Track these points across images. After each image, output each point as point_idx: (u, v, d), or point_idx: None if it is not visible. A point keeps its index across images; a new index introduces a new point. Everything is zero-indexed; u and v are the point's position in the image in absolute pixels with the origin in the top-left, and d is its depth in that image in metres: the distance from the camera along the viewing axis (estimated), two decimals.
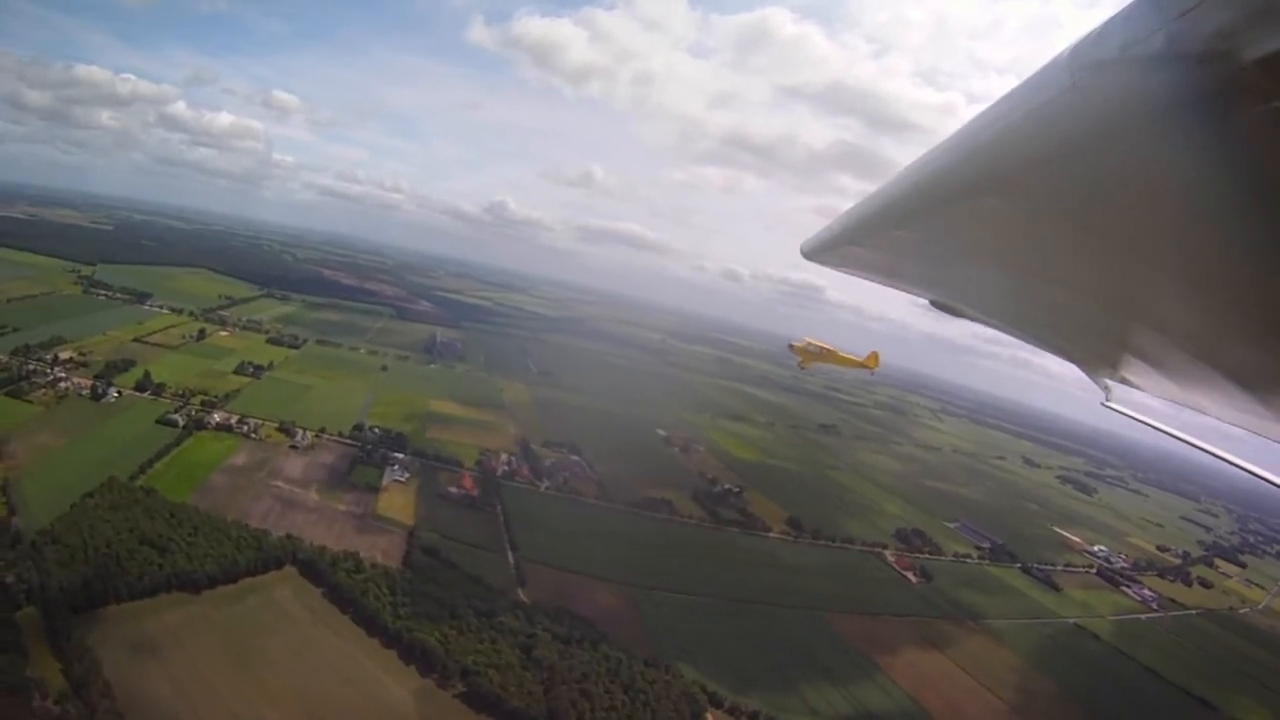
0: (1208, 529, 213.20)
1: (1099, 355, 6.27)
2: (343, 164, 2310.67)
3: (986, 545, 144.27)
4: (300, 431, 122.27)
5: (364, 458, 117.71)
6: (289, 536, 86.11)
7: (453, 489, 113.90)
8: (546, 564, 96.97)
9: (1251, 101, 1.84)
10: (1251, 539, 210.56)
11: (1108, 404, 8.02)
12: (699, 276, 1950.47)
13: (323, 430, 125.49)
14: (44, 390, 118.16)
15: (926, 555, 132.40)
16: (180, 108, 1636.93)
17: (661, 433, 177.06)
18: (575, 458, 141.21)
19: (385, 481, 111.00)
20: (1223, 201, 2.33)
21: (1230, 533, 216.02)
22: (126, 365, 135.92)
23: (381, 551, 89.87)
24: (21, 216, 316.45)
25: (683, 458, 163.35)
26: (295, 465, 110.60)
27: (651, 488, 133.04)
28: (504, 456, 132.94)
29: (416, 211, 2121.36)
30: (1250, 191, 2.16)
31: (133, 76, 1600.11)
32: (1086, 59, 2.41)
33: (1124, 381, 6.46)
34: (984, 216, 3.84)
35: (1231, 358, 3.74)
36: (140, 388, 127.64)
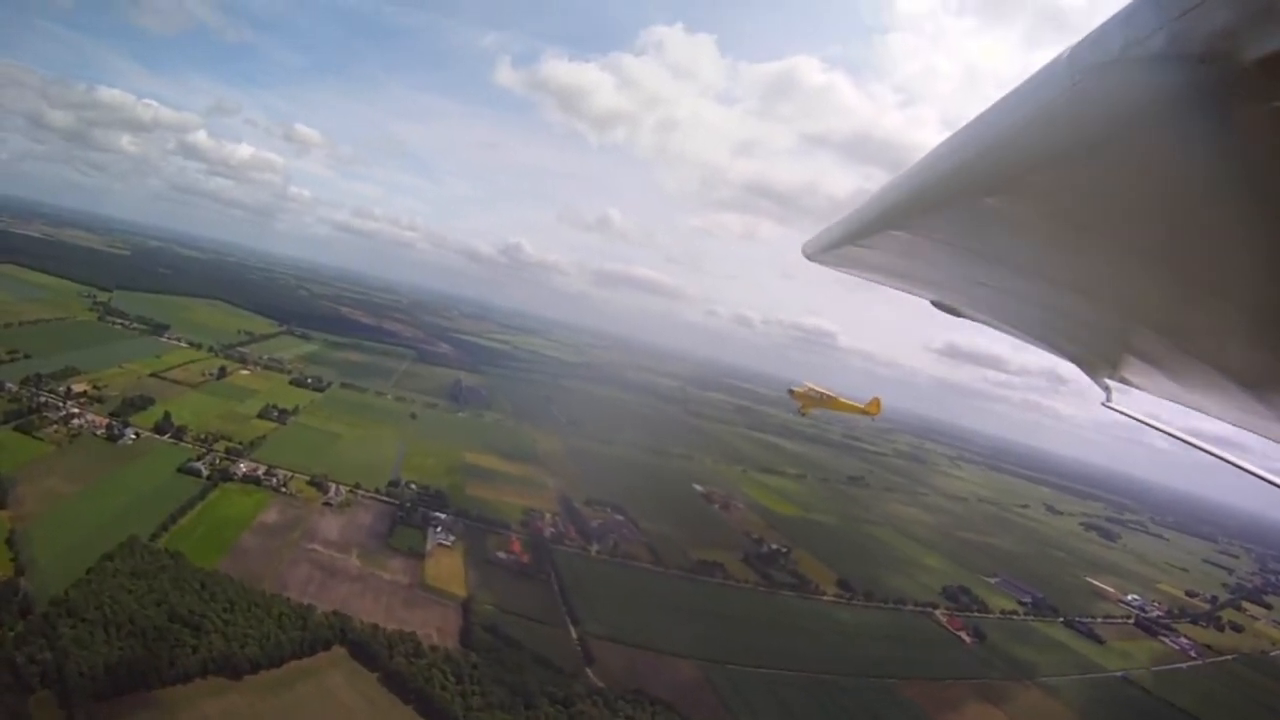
0: (1229, 571, 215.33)
1: (1099, 355, 6.05)
2: (359, 200, 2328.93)
3: (1028, 599, 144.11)
4: (333, 486, 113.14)
5: (404, 517, 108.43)
6: (336, 613, 76.78)
7: (501, 554, 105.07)
8: (612, 639, 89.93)
9: (1251, 101, 1.82)
10: (1273, 579, 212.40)
11: (1108, 405, 7.33)
12: (710, 321, 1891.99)
13: (357, 486, 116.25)
14: (56, 427, 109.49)
15: (975, 613, 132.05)
16: (201, 136, 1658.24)
17: (699, 488, 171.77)
18: (620, 517, 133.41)
19: (430, 545, 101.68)
20: (1223, 202, 2.33)
21: (1252, 573, 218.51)
22: (145, 403, 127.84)
23: (436, 628, 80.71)
24: (38, 235, 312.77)
25: (724, 515, 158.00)
26: (331, 525, 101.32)
27: (700, 548, 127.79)
28: (549, 516, 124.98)
29: (430, 250, 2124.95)
30: (1250, 191, 2.14)
31: (155, 102, 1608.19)
32: (1087, 60, 2.38)
33: (1125, 382, 6.24)
34: (984, 217, 3.79)
35: (1231, 358, 3.69)
36: (160, 429, 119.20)
